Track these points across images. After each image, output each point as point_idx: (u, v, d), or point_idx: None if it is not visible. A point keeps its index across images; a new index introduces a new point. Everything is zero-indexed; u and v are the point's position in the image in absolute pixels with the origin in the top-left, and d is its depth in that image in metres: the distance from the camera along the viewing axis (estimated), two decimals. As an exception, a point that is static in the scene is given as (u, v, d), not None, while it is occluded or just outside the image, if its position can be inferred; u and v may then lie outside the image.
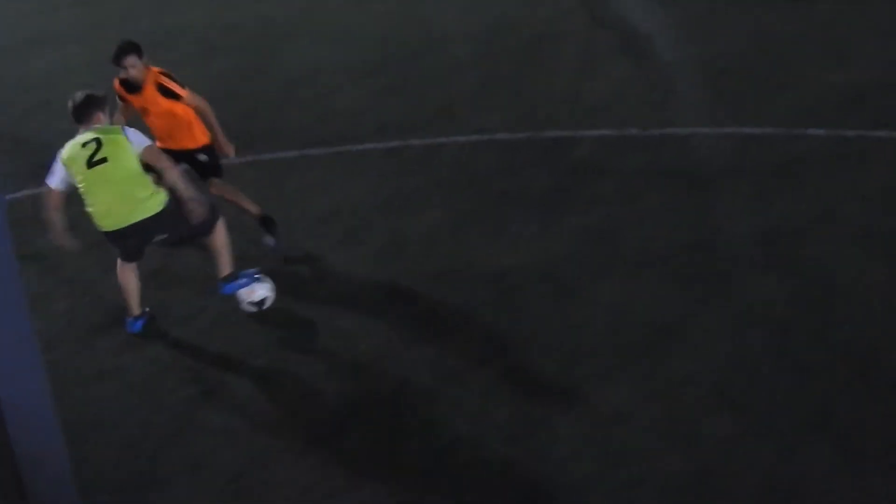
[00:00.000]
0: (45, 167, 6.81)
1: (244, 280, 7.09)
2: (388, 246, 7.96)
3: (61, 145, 6.72)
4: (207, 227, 6.95)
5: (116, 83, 7.69)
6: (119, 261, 6.96)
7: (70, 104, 6.75)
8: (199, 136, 7.63)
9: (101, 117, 6.76)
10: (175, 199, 6.77)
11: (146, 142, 6.82)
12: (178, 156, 7.50)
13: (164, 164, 6.74)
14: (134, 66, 7.42)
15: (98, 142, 6.57)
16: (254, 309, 7.11)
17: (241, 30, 14.27)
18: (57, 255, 7.85)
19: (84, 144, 6.60)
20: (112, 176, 6.58)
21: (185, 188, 6.74)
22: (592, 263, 7.51)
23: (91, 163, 6.56)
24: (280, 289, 7.25)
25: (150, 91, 7.49)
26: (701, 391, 6.05)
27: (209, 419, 6.04)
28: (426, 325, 6.95)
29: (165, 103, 7.50)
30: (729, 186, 8.50)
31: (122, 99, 7.74)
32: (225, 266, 7.08)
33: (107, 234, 6.83)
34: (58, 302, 7.47)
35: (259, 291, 7.12)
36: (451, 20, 14.24)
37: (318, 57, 12.99)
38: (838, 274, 7.07)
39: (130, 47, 7.47)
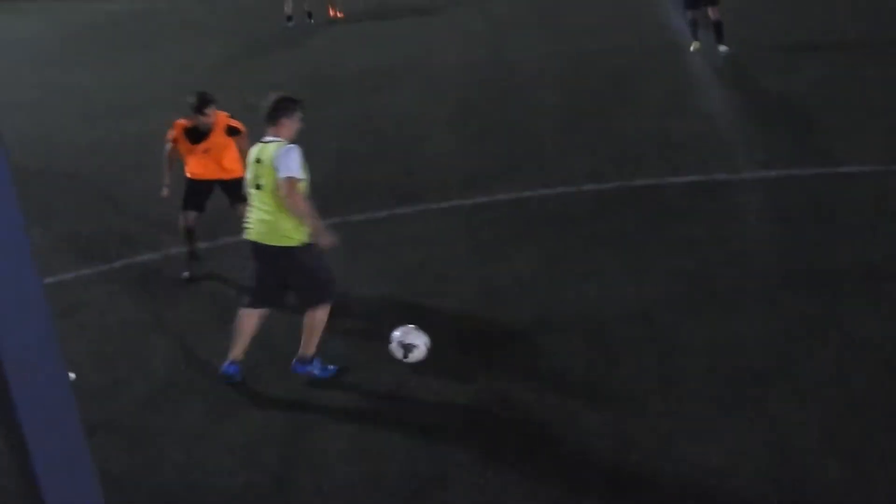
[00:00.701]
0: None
1: (317, 367, 7.02)
2: (479, 295, 7.91)
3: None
4: (322, 296, 6.91)
5: (179, 129, 8.53)
6: (248, 304, 7.03)
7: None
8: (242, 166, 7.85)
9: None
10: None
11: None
12: (224, 184, 8.57)
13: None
14: (210, 115, 8.37)
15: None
16: (400, 353, 6.92)
17: (334, 81, 14.55)
18: (168, 315, 8.05)
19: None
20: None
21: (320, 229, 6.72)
22: (687, 306, 7.37)
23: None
24: (366, 339, 7.28)
25: (219, 133, 8.46)
26: (808, 438, 5.84)
27: (304, 480, 6.03)
28: (520, 376, 6.85)
29: (227, 140, 8.51)
30: (823, 225, 8.31)
31: (176, 142, 8.60)
32: (311, 345, 7.03)
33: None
34: (156, 361, 7.57)
35: (412, 338, 6.93)
36: (534, 63, 14.34)
37: (405, 107, 13.18)
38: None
39: (211, 97, 8.44)
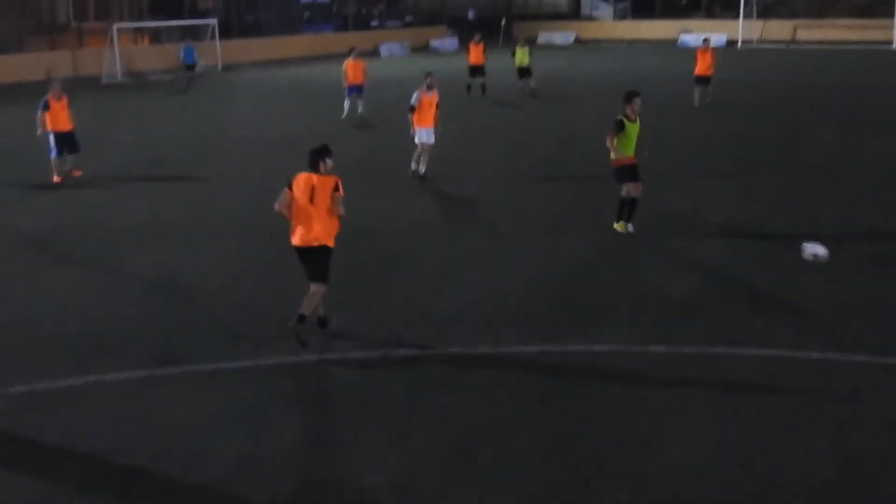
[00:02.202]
0: None
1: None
2: (238, 470, 7.62)
3: None
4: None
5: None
6: None
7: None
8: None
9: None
10: None
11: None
12: None
13: None
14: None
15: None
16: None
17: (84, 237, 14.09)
18: None
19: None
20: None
21: None
22: (450, 478, 7.39)
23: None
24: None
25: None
26: None
27: None
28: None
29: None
30: (577, 400, 8.66)
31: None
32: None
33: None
34: None
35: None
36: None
37: (174, 263, 12.92)
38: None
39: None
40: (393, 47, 58.51)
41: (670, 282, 11.85)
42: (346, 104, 27.66)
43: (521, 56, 33.37)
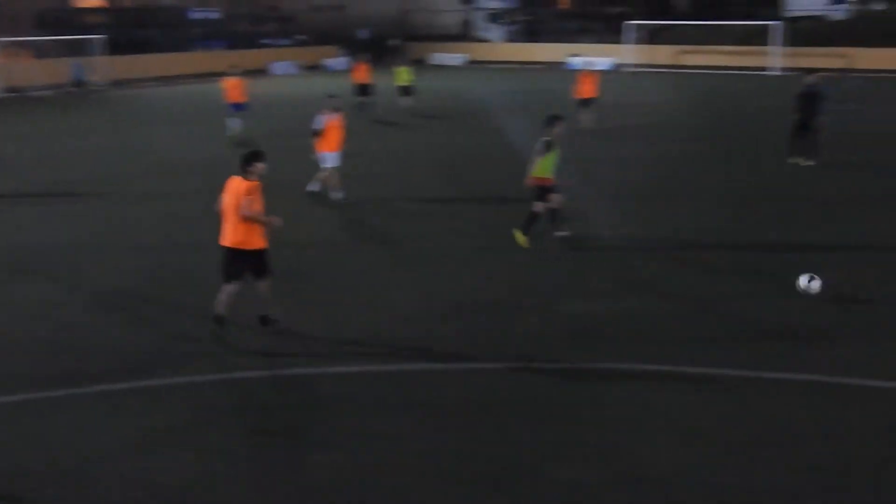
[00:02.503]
0: None
1: None
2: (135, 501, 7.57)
3: None
4: None
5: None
6: None
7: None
8: None
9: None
10: None
11: None
12: None
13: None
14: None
15: None
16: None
17: None
18: None
19: None
20: None
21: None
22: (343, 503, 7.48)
23: None
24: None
25: None
26: None
27: None
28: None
29: None
30: (468, 418, 8.84)
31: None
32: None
33: None
34: None
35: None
36: (207, 235, 14.33)
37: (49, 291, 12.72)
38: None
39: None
40: (284, 66, 58.32)
41: (575, 301, 12.17)
42: (235, 121, 27.43)
43: (404, 76, 34.01)
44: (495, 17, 70.38)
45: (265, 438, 8.50)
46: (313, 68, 60.81)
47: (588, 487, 7.56)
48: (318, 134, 18.13)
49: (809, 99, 22.09)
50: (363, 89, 33.19)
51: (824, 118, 22.26)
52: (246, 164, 10.58)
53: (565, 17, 76.34)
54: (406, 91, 34.05)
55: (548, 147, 14.42)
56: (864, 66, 56.04)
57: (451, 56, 65.62)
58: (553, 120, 14.66)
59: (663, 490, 7.50)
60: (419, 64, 60.74)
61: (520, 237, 14.75)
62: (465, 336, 10.98)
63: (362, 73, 33.38)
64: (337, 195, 18.45)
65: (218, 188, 11.04)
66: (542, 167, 14.50)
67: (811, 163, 22.16)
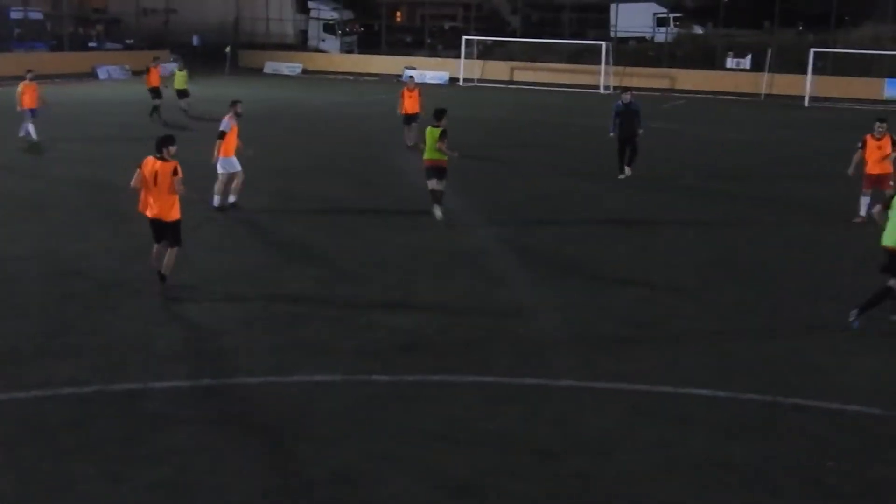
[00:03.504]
0: None
1: None
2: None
3: None
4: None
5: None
6: None
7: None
8: None
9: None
10: None
11: None
12: None
13: None
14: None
15: None
16: None
17: None
18: None
19: None
20: None
21: None
22: (167, 519, 7.29)
23: None
24: None
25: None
26: None
27: None
28: None
29: None
30: (297, 432, 8.76)
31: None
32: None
33: None
34: None
35: None
36: (19, 255, 13.84)
37: None
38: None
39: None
40: (112, 70, 56.43)
41: (393, 315, 12.21)
42: (30, 128, 26.31)
43: (180, 79, 34.83)
44: (331, 27, 70.14)
45: (83, 455, 8.17)
46: (143, 73, 59.10)
47: (410, 499, 7.59)
48: (223, 136, 17.83)
49: (626, 116, 23.16)
50: (155, 92, 33.12)
51: (640, 134, 23.34)
52: (163, 144, 12.35)
53: (402, 30, 76.90)
54: (181, 94, 34.51)
55: (445, 134, 17.36)
56: (686, 87, 58.60)
57: (286, 65, 64.96)
58: (441, 113, 17.68)
59: (477, 497, 7.60)
60: (256, 72, 60.04)
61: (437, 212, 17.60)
62: (279, 349, 10.87)
63: (154, 77, 33.39)
64: (228, 201, 18.16)
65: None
66: (429, 150, 17.41)
67: (628, 174, 23.26)
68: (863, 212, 18.21)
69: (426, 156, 17.58)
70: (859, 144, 18.81)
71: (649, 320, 12.22)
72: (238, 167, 18.12)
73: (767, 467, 8.20)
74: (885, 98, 56.68)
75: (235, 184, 18.17)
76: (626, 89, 24.78)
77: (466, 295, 13.17)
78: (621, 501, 7.63)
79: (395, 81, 59.94)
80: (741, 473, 8.09)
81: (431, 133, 17.56)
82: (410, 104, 28.16)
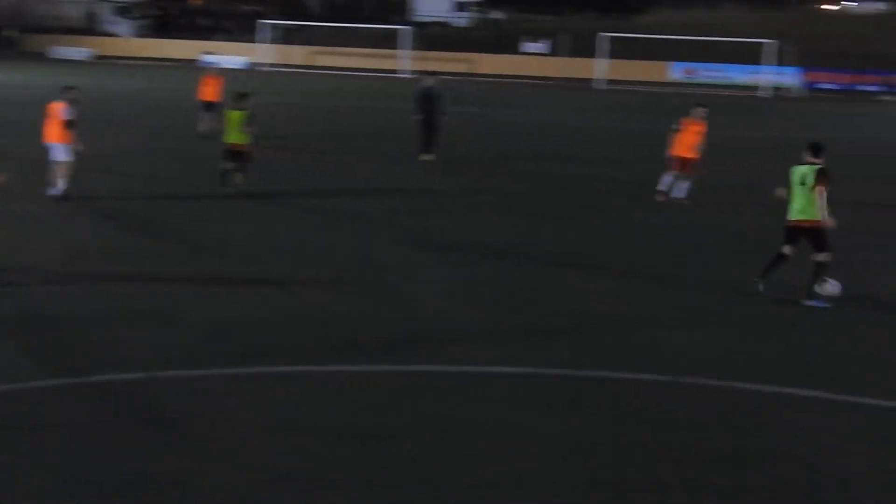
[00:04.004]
0: None
1: None
2: None
3: None
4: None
5: None
6: None
7: None
8: None
9: None
10: None
11: None
12: None
13: None
14: None
15: None
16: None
17: None
18: None
19: None
20: None
21: None
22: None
23: None
24: None
25: None
26: None
27: None
28: None
29: None
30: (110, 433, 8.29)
31: None
32: None
33: None
34: None
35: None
36: None
37: None
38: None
39: None
40: None
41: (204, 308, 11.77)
42: None
43: None
44: (123, 10, 67.50)
45: None
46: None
47: (236, 491, 7.29)
48: (70, 126, 16.88)
49: (429, 100, 23.30)
50: None
51: (444, 118, 23.59)
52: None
53: (199, 14, 74.87)
54: None
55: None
56: (486, 71, 59.71)
57: (75, 50, 62.06)
58: (242, 96, 18.21)
59: (299, 485, 7.39)
60: (40, 57, 57.03)
61: (239, 179, 17.93)
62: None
63: None
64: (55, 190, 17.03)
65: None
66: (234, 134, 17.78)
67: (432, 157, 23.35)
68: (663, 187, 18.88)
69: (227, 139, 17.79)
70: (677, 126, 19.02)
71: (468, 304, 12.24)
72: (65, 156, 17.14)
73: (597, 440, 8.30)
74: (671, 81, 59.58)
75: (57, 173, 17.19)
76: (430, 74, 25.01)
77: (279, 281, 12.85)
78: (449, 482, 7.56)
79: (194, 67, 58.41)
80: (573, 449, 8.15)
81: (234, 116, 17.58)
82: (212, 91, 27.34)
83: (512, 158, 24.96)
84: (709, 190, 19.37)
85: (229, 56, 60.82)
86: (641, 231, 16.65)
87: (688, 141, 18.77)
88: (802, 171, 12.20)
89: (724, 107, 38.95)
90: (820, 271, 12.01)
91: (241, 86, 22.49)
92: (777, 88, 56.22)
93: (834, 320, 11.79)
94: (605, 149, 27.66)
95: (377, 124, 31.71)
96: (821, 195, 11.95)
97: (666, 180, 18.94)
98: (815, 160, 12.23)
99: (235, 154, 17.78)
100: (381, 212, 17.57)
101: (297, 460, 7.86)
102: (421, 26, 63.82)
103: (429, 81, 23.73)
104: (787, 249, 12.29)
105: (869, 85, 56.77)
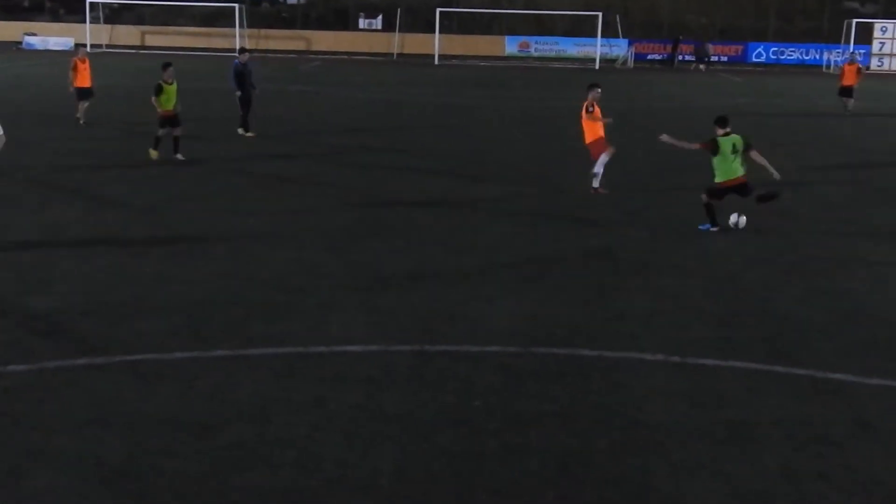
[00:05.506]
0: None
1: None
2: None
3: None
4: None
5: None
6: None
7: None
8: None
9: None
10: None
11: None
12: None
13: None
14: None
15: None
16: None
17: None
18: None
19: None
20: None
21: None
22: None
23: None
24: None
25: None
26: None
27: None
28: None
29: None
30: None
31: None
32: None
33: None
34: None
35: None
36: None
37: None
38: None
39: None
40: None
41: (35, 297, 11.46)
42: None
43: None
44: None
45: None
46: None
47: (60, 493, 7.23)
48: None
49: (243, 76, 24.23)
50: None
51: (255, 93, 24.77)
52: None
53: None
54: None
55: (160, 88, 20.56)
56: (321, 48, 59.28)
57: None
58: (167, 66, 20.94)
59: (133, 480, 7.40)
60: None
61: (152, 153, 20.53)
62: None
63: None
64: None
65: None
66: (166, 101, 20.55)
67: (251, 134, 24.45)
68: (596, 177, 18.08)
69: (166, 107, 20.63)
70: (591, 109, 17.81)
71: (299, 282, 12.32)
72: None
73: (420, 413, 8.58)
74: (506, 55, 60.59)
75: None
76: (243, 50, 26.04)
77: (109, 270, 12.63)
78: (281, 463, 7.69)
79: (14, 50, 55.85)
80: (396, 422, 8.41)
81: (171, 89, 20.77)
82: (84, 77, 25.94)
83: (345, 134, 25.33)
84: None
85: (55, 37, 58.49)
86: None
87: (599, 123, 17.96)
88: (733, 141, 14.90)
89: (560, 79, 39.76)
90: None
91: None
92: (608, 60, 57.88)
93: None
94: (442, 120, 28.06)
95: (204, 103, 31.19)
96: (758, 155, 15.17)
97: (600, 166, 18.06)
98: (726, 130, 14.95)
99: (171, 119, 20.64)
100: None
101: (125, 455, 7.83)
102: (253, 4, 62.72)
103: (243, 57, 24.72)
104: (715, 202, 15.04)
105: (686, 55, 59.28)
